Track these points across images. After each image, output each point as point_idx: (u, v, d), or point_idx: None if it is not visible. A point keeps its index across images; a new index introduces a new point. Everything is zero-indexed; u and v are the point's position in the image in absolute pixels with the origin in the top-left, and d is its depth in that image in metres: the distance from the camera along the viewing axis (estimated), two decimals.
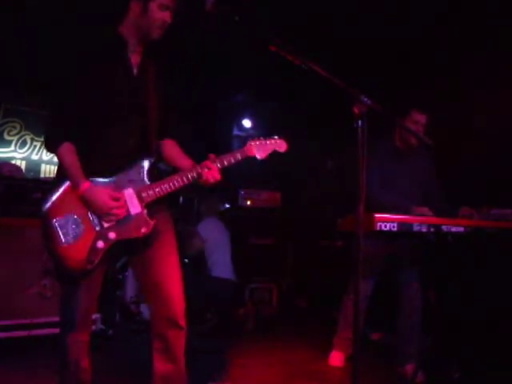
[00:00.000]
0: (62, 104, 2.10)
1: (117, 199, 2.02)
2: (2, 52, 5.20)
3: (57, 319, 3.55)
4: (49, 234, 1.99)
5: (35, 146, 6.68)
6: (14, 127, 6.48)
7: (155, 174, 2.16)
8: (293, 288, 6.31)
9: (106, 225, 2.02)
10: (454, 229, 3.00)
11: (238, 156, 2.19)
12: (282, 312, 5.70)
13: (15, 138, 6.50)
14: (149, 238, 2.11)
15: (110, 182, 2.06)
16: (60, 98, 2.12)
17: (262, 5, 4.08)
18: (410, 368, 3.47)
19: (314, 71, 1.73)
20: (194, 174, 2.13)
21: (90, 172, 2.04)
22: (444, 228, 2.98)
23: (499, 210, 3.33)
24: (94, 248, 1.99)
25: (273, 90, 6.29)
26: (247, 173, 5.61)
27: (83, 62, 2.08)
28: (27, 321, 3.50)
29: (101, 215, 2.01)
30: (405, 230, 2.84)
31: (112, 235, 2.02)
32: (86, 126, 2.08)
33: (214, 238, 4.89)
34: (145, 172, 2.10)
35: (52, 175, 6.64)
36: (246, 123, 7.57)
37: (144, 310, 4.58)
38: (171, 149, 2.35)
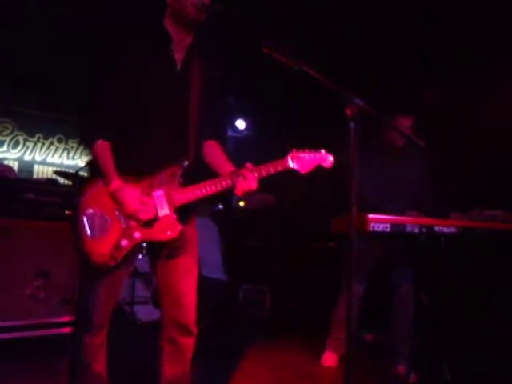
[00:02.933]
0: (100, 101, 2.06)
1: (144, 203, 1.99)
2: None
3: (49, 320, 3.59)
4: (76, 228, 1.99)
5: (28, 147, 6.66)
6: (7, 128, 6.46)
7: (189, 178, 2.09)
8: (286, 289, 6.31)
9: (132, 224, 2.00)
10: (446, 229, 3.02)
11: (279, 167, 2.07)
12: (275, 313, 5.70)
13: (8, 139, 6.48)
14: (176, 245, 2.09)
15: (142, 182, 2.03)
16: (98, 95, 2.08)
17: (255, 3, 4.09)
18: (402, 368, 3.49)
19: (307, 73, 1.74)
20: (229, 182, 2.05)
21: (124, 171, 2.01)
22: (436, 229, 3.00)
23: (491, 211, 3.36)
24: (118, 245, 1.97)
25: (266, 91, 6.31)
26: None
27: (123, 57, 2.04)
28: (20, 322, 3.49)
29: (127, 215, 1.99)
30: (398, 231, 2.86)
31: (137, 235, 1.99)
32: (123, 125, 2.05)
33: (204, 238, 4.89)
34: (178, 175, 2.05)
35: (45, 176, 6.64)
36: (240, 124, 7.58)
37: (138, 311, 4.57)
38: (212, 151, 2.27)
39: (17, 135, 6.56)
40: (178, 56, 2.13)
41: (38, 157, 6.77)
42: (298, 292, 6.22)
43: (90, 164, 2.29)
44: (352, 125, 1.74)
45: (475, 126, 4.44)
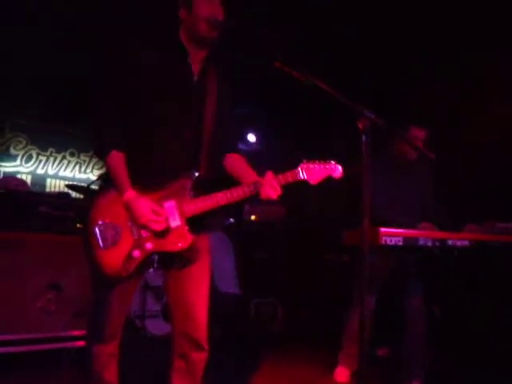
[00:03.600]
0: (114, 112, 2.06)
1: (157, 213, 1.98)
2: (10, 67, 5.24)
3: (60, 334, 3.59)
4: (88, 238, 1.99)
5: (40, 161, 6.73)
6: (20, 142, 6.54)
7: (202, 190, 2.09)
8: (298, 303, 6.27)
9: (144, 234, 2.00)
10: (459, 243, 2.99)
11: (289, 178, 2.08)
12: (287, 327, 5.66)
13: (21, 153, 6.55)
14: (188, 256, 2.08)
15: (153, 193, 2.03)
16: (112, 106, 2.07)
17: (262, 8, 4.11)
18: None
19: (319, 87, 1.74)
20: (240, 193, 2.05)
21: (136, 182, 2.02)
22: (449, 242, 2.97)
23: (504, 223, 3.32)
24: (129, 256, 1.97)
25: (277, 105, 6.33)
26: None
27: (139, 68, 2.06)
28: (31, 335, 3.49)
29: (139, 225, 1.99)
30: (410, 245, 2.84)
31: (149, 246, 1.99)
32: (134, 136, 2.06)
33: (218, 252, 4.89)
34: (189, 186, 2.05)
35: (57, 189, 6.70)
36: (251, 138, 7.59)
37: (149, 324, 4.57)
38: (235, 163, 2.27)
39: (30, 149, 6.63)
40: (195, 67, 2.15)
41: (51, 171, 6.83)
42: (309, 305, 6.19)
43: (101, 177, 2.31)
44: (364, 138, 1.74)
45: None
